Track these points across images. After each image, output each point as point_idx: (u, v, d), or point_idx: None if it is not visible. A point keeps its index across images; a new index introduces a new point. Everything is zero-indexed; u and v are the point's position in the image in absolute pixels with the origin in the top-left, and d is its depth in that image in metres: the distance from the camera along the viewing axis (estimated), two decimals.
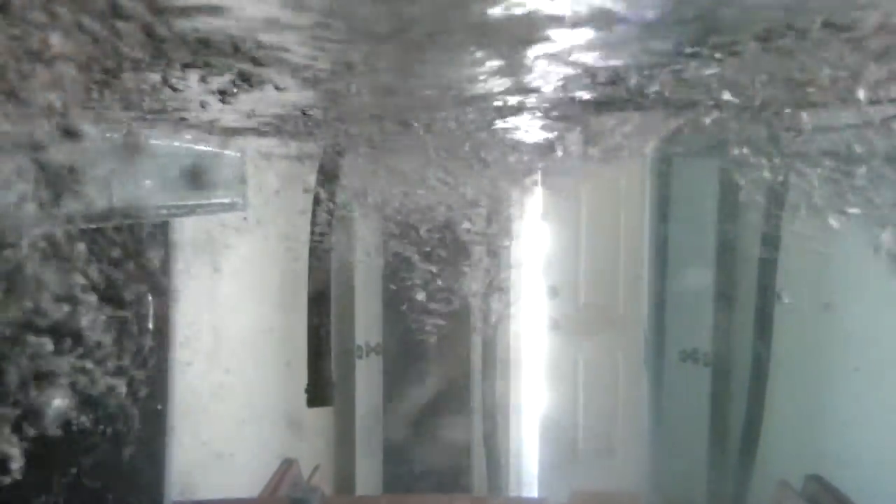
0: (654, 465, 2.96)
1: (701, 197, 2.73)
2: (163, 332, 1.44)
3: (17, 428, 1.04)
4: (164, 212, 1.02)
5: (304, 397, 1.90)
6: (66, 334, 1.00)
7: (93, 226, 0.88)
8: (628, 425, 3.12)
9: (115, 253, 1.06)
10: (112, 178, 0.85)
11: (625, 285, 3.16)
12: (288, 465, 2.42)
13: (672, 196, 2.92)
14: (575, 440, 3.15)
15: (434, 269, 2.07)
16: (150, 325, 1.31)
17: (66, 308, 0.99)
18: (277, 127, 0.94)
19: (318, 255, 1.23)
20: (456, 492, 2.93)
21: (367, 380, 2.94)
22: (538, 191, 2.89)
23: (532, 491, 3.16)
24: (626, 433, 3.12)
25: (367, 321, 2.93)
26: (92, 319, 1.04)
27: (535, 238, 3.13)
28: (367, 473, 2.94)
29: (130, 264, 1.11)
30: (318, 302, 1.23)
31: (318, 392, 1.29)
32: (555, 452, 3.14)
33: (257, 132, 0.99)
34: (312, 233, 1.25)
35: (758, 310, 2.44)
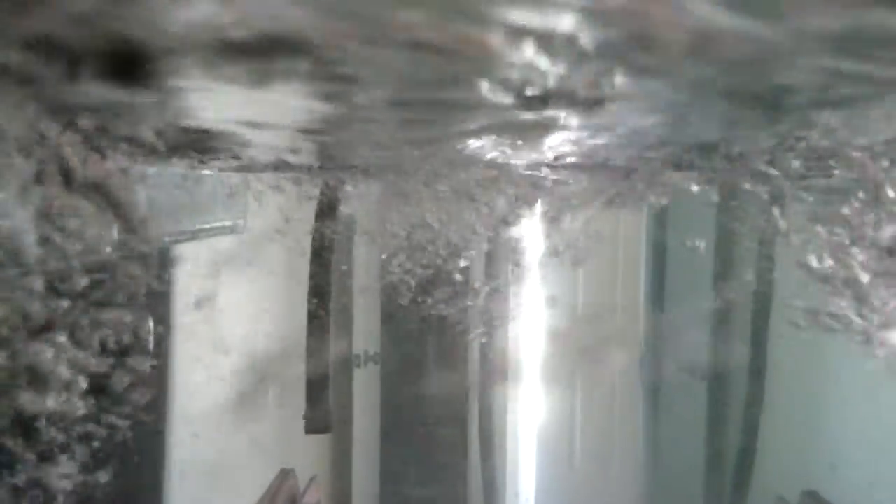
0: (650, 480, 2.96)
1: (699, 208, 2.74)
2: (163, 348, 1.44)
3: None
4: (166, 238, 1.02)
5: (300, 408, 1.90)
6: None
7: (96, 256, 0.88)
8: (625, 438, 3.12)
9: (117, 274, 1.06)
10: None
11: (622, 297, 3.17)
12: (285, 475, 2.42)
13: (671, 206, 2.92)
14: (572, 453, 3.15)
15: (432, 278, 2.08)
16: (151, 345, 1.31)
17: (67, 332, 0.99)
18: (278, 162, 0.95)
19: (318, 284, 1.23)
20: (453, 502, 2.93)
21: (364, 389, 2.94)
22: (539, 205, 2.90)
23: None
24: (622, 447, 3.12)
25: (365, 330, 2.93)
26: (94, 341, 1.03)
27: (534, 247, 3.13)
28: (364, 483, 2.94)
29: (132, 286, 1.11)
30: (317, 331, 1.23)
31: (316, 420, 1.29)
32: (552, 466, 3.15)
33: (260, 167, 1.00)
34: (313, 254, 1.25)
35: (754, 323, 2.44)
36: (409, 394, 2.96)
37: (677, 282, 2.95)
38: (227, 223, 1.22)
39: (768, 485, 2.41)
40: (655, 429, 2.99)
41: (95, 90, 0.49)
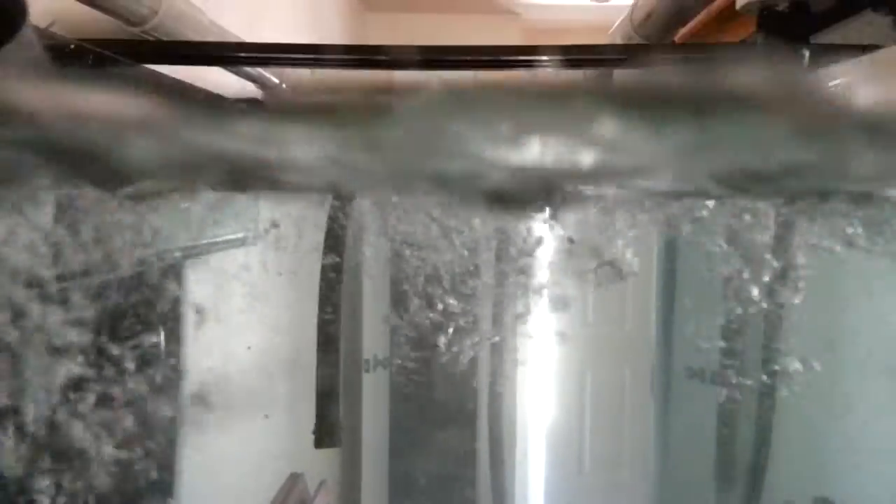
0: (660, 485, 2.95)
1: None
2: (175, 356, 1.44)
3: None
4: (178, 254, 1.02)
5: (311, 408, 1.90)
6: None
7: (109, 274, 0.88)
8: (635, 444, 3.11)
9: (129, 292, 1.07)
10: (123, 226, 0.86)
11: (633, 300, 3.16)
12: (294, 479, 2.42)
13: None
14: (581, 457, 3.15)
15: (440, 283, 2.07)
16: (163, 353, 1.32)
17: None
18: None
19: (329, 295, 1.23)
20: None
21: (373, 394, 2.94)
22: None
23: None
24: (632, 452, 3.11)
25: (374, 334, 2.93)
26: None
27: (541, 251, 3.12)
28: (374, 488, 2.94)
29: (144, 302, 1.11)
30: (328, 345, 1.23)
31: (325, 434, 1.29)
32: (561, 470, 3.14)
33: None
34: (323, 269, 1.25)
35: (766, 326, 2.42)
36: (419, 398, 2.96)
37: (687, 284, 2.94)
38: (238, 235, 1.22)
39: (780, 490, 2.40)
40: (665, 435, 2.98)
41: None
